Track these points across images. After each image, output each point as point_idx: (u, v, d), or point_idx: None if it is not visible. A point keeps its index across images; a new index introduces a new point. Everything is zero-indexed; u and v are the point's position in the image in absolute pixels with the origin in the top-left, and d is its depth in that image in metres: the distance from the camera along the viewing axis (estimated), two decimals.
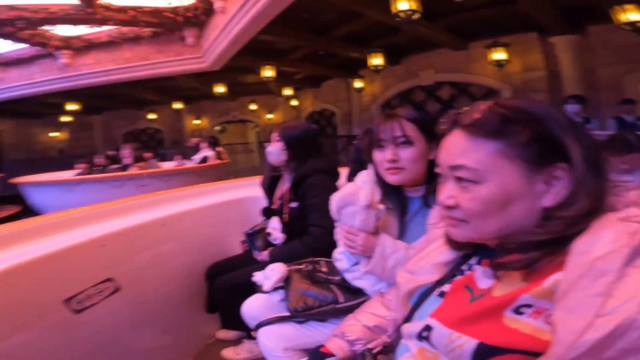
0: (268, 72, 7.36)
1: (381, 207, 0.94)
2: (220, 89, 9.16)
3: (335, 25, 5.83)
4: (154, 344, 1.20)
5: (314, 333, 0.96)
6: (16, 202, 6.09)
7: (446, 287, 0.55)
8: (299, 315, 0.95)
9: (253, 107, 12.70)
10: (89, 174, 4.68)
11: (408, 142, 0.89)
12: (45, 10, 4.61)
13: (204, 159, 5.26)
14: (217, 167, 5.35)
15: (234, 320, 1.26)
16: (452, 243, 0.57)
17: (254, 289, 1.06)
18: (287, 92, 10.91)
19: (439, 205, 0.56)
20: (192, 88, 9.80)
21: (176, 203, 1.56)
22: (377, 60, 6.73)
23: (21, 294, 0.89)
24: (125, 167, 4.65)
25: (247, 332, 1.21)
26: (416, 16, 4.08)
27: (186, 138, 13.04)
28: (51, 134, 13.46)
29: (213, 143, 5.67)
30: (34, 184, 4.74)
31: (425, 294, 0.58)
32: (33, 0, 4.67)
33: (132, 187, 4.07)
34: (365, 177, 1.00)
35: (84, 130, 13.37)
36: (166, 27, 5.61)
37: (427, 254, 0.63)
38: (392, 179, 0.91)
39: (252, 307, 1.06)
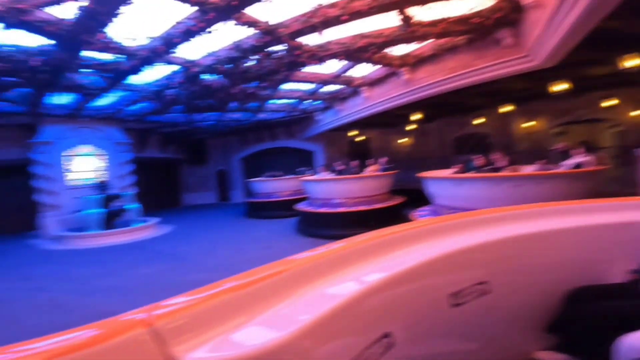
0: (631, 62, 6.07)
1: None
2: (559, 86, 7.98)
3: None
4: (484, 346, 1.28)
5: None
6: (403, 194, 8.92)
7: None
8: None
9: (609, 103, 9.92)
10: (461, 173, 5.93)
11: None
12: (382, 35, 5.90)
13: (578, 166, 5.00)
14: (592, 173, 4.96)
15: (585, 349, 1.21)
16: None
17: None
18: None
19: None
20: (522, 89, 9.15)
21: (556, 217, 1.55)
22: None
23: (420, 285, 1.07)
24: (498, 169, 5.56)
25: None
26: None
27: (515, 142, 12.39)
28: (400, 140, 17.22)
29: (589, 148, 5.38)
30: (433, 178, 6.33)
31: None
32: (368, 27, 5.92)
33: (505, 187, 4.91)
34: None
35: (424, 136, 15.98)
36: (477, 32, 5.66)
37: None
38: None
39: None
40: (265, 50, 6.02)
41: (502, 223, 1.46)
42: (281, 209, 11.59)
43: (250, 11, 4.92)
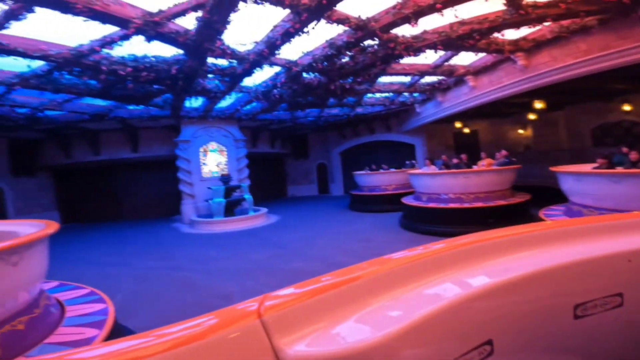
0: None
1: None
2: None
3: None
4: None
5: None
6: (527, 191, 8.23)
7: None
8: None
9: None
10: (607, 168, 5.26)
11: None
12: (486, 20, 5.31)
13: None
14: None
15: None
16: None
17: None
18: None
19: None
20: None
21: None
22: None
23: (535, 294, 0.99)
24: None
25: None
26: None
27: None
28: (519, 131, 15.21)
29: None
30: (574, 173, 5.73)
31: None
32: (471, 13, 5.37)
33: None
34: None
35: (548, 127, 13.82)
36: (612, 11, 4.58)
37: None
38: None
39: None
40: (360, 45, 6.04)
41: None
42: (385, 202, 11.62)
43: (341, 8, 4.99)
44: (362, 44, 6.07)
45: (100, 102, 9.57)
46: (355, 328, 0.74)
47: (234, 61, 6.89)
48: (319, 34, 5.79)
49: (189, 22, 5.41)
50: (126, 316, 3.94)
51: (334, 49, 6.11)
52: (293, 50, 6.69)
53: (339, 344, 0.69)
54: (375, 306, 0.83)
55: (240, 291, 4.98)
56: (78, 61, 6.01)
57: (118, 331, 2.91)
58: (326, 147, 18.68)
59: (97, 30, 5.42)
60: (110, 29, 5.46)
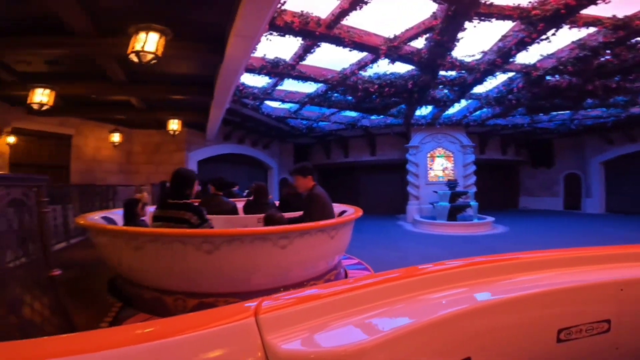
0: None
1: None
2: None
3: None
4: None
5: None
6: None
7: None
8: None
9: None
10: None
11: None
12: None
13: None
14: None
15: None
16: None
17: None
18: None
19: None
20: None
21: None
22: None
23: (520, 316, 1.02)
24: None
25: None
26: None
27: None
28: None
29: None
30: None
31: None
32: None
33: None
34: None
35: None
36: None
37: None
38: None
39: None
40: (626, 43, 5.13)
41: None
42: None
43: (587, 11, 4.57)
44: (629, 42, 5.24)
45: (351, 114, 12.08)
46: (345, 334, 0.79)
47: (463, 72, 7.21)
48: (559, 37, 5.38)
49: (419, 42, 6.30)
50: None
51: (587, 50, 5.55)
52: (527, 54, 6.37)
53: (325, 346, 0.74)
54: (368, 314, 0.86)
55: None
56: (343, 82, 8.02)
57: None
58: (580, 154, 15.16)
59: (351, 56, 6.97)
60: (359, 55, 6.99)
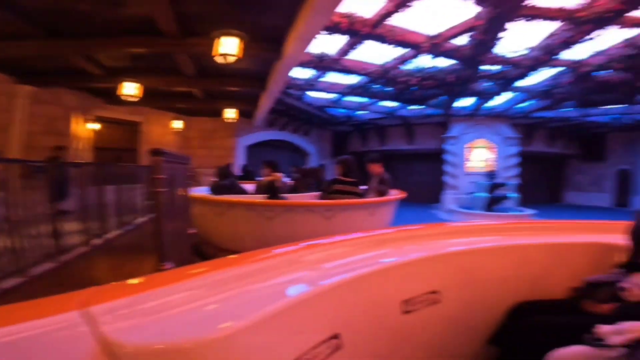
0: None
1: None
2: None
3: None
4: (433, 355, 1.30)
5: None
6: None
7: None
8: None
9: None
10: None
11: None
12: None
13: None
14: None
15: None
16: None
17: (573, 338, 0.99)
18: None
19: None
20: None
21: (508, 234, 1.66)
22: None
23: (372, 290, 1.09)
24: None
25: None
26: None
27: None
28: None
29: None
30: None
31: None
32: None
33: None
34: None
35: None
36: None
37: None
38: None
39: (568, 356, 0.98)
40: None
41: (461, 236, 1.57)
42: None
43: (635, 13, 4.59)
44: None
45: (389, 104, 12.31)
46: (195, 322, 0.69)
47: (508, 66, 7.29)
48: (609, 35, 5.42)
49: (462, 38, 6.51)
50: None
51: (637, 48, 5.45)
52: (577, 50, 6.35)
53: (173, 336, 0.65)
54: (224, 296, 0.80)
55: None
56: (384, 75, 8.36)
57: None
58: (634, 150, 14.29)
59: (392, 51, 7.40)
60: (402, 50, 7.30)
